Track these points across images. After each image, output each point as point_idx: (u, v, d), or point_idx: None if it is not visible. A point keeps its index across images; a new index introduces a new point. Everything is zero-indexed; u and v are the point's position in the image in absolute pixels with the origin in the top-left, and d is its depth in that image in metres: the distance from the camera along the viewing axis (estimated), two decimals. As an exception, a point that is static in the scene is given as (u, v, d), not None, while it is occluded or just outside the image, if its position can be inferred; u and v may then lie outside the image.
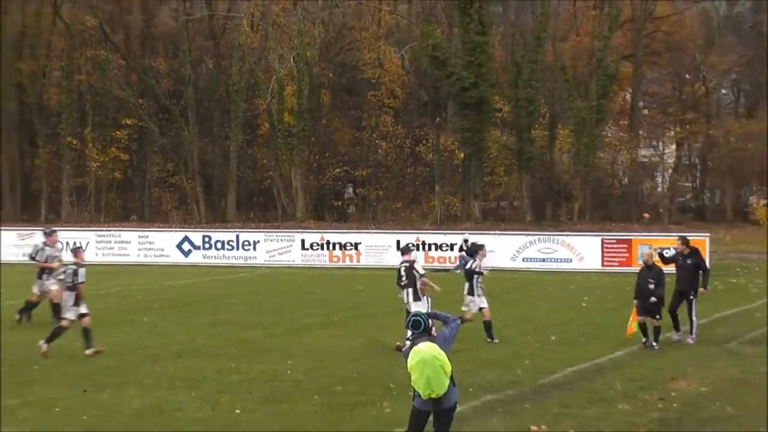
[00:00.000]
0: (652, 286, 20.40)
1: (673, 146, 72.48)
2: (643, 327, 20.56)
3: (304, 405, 15.23)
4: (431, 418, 11.37)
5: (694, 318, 21.61)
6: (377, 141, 70.09)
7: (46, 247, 24.65)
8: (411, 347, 11.21)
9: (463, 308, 21.59)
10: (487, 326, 21.44)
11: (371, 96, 69.44)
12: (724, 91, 71.86)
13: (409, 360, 11.14)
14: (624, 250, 41.10)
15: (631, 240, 41.70)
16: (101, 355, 19.66)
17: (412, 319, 11.41)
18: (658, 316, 20.44)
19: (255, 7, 70.59)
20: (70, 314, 19.98)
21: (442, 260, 42.47)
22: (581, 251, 41.66)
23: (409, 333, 19.37)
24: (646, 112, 73.78)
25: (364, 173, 69.17)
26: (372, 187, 68.90)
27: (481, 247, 22.97)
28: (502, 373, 17.66)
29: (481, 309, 21.54)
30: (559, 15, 69.44)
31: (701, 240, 40.68)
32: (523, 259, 41.89)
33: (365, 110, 69.68)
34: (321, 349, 20.44)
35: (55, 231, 25.80)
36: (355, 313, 26.87)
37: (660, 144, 73.98)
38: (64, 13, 68.72)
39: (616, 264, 40.80)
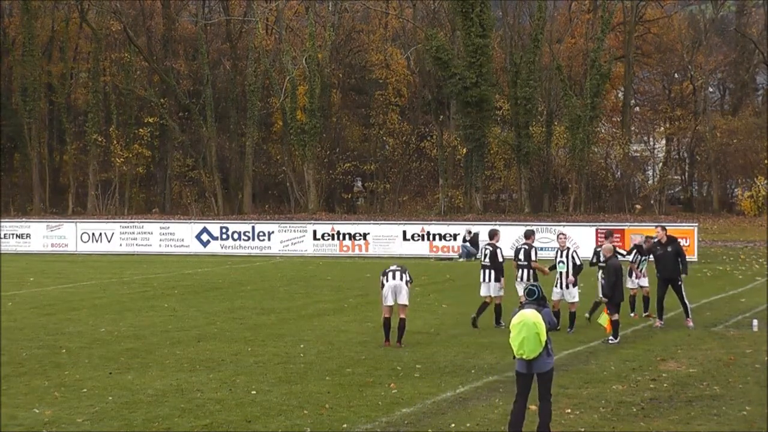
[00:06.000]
0: (603, 281, 19.81)
1: (663, 141, 72.23)
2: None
3: (316, 386, 15.20)
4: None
5: (686, 302, 21.37)
6: (384, 137, 70.04)
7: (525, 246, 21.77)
8: (520, 309, 11.93)
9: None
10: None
11: (378, 95, 69.36)
12: (710, 89, 71.54)
13: (513, 319, 11.85)
14: (617, 240, 40.85)
15: (624, 230, 41.47)
16: (126, 339, 19.63)
17: (528, 287, 12.19)
18: (608, 311, 19.06)
19: (269, 12, 70.54)
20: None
21: (446, 249, 42.39)
22: (577, 241, 41.40)
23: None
24: (637, 109, 73.56)
25: (372, 168, 69.07)
26: (379, 180, 68.79)
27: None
28: (502, 356, 17.55)
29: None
30: (555, 18, 69.29)
31: (690, 230, 40.60)
32: (521, 249, 41.69)
33: (373, 108, 69.57)
34: (332, 333, 20.41)
35: (533, 231, 22.65)
36: (364, 300, 26.80)
37: (650, 139, 73.73)
38: (91, 18, 68.74)
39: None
